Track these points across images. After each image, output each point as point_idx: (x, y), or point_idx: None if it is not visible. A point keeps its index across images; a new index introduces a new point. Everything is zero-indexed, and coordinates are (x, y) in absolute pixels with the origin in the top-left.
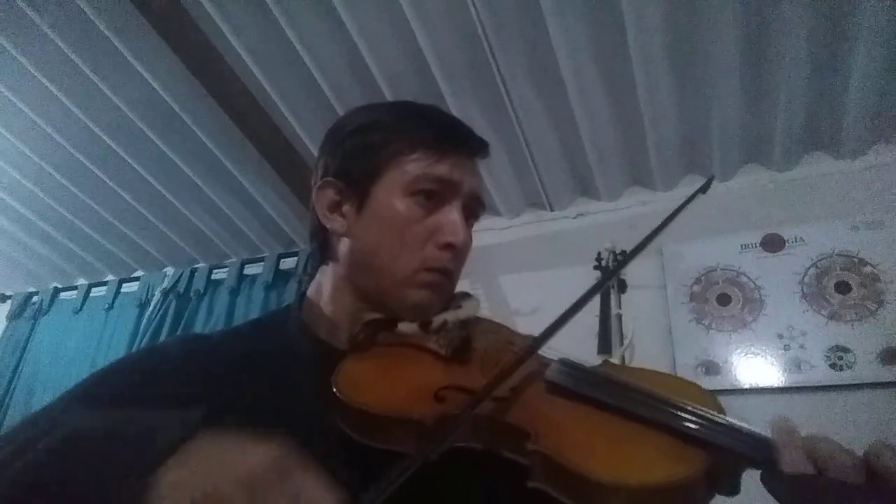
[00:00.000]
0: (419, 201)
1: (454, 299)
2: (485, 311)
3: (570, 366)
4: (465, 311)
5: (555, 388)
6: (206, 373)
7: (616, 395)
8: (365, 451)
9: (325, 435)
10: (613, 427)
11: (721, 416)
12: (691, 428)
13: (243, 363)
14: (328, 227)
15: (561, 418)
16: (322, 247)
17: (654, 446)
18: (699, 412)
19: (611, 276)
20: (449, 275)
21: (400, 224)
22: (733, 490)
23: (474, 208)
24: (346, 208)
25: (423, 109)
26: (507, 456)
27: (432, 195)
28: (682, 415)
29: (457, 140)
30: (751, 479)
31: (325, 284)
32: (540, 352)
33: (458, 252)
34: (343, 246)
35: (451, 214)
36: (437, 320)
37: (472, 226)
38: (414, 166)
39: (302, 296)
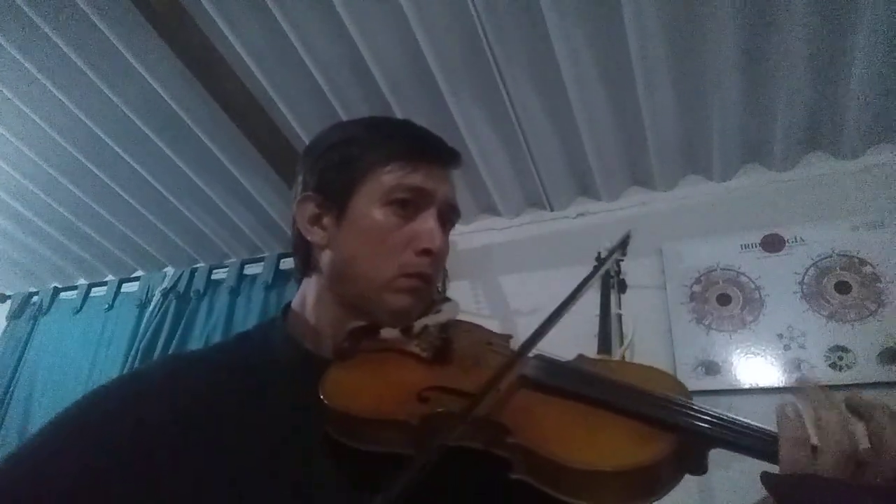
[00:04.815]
0: (395, 211)
1: (434, 304)
2: (485, 311)
3: (545, 361)
4: (444, 315)
5: (532, 384)
6: (190, 393)
7: (588, 387)
8: (353, 454)
9: (314, 441)
10: (586, 416)
11: (685, 398)
12: (657, 412)
13: (229, 377)
14: (309, 239)
15: (538, 411)
16: (304, 259)
17: (624, 432)
18: (665, 397)
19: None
20: (427, 280)
21: (378, 233)
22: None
23: (449, 216)
24: (326, 221)
25: (396, 123)
26: (491, 451)
27: (407, 204)
28: (649, 401)
29: (429, 151)
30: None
31: (308, 295)
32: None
33: (436, 257)
34: (325, 257)
35: (428, 222)
36: (418, 325)
37: (448, 232)
38: (389, 177)
39: (286, 308)
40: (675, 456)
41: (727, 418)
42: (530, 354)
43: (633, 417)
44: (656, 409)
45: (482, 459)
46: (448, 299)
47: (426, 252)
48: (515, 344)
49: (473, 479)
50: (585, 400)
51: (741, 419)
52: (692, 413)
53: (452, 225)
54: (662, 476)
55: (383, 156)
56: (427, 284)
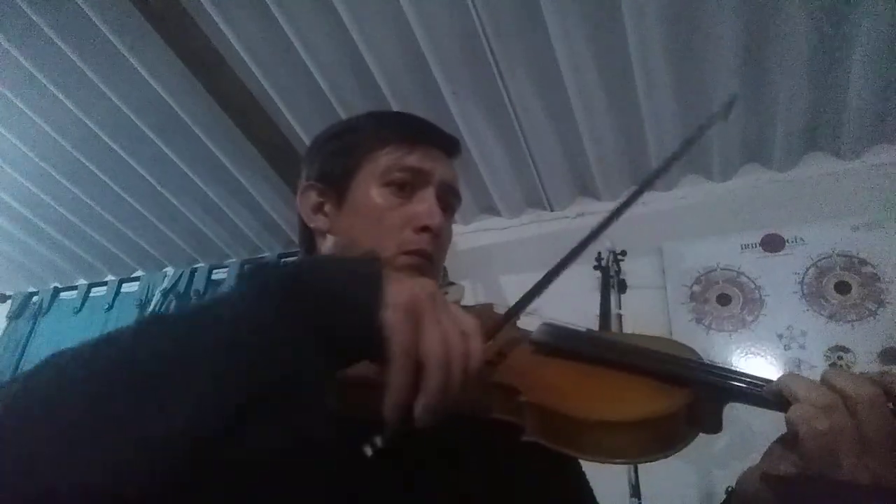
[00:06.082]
0: (393, 192)
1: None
2: None
3: (553, 326)
4: (450, 297)
5: (540, 347)
6: None
7: (597, 347)
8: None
9: (327, 423)
10: (598, 375)
11: (696, 357)
12: (669, 368)
13: None
14: (312, 226)
15: (547, 371)
16: (309, 251)
17: (637, 387)
18: (675, 355)
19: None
20: (428, 258)
21: (377, 213)
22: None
23: (449, 200)
24: (327, 208)
25: (394, 112)
26: (500, 418)
27: (405, 185)
28: (660, 358)
29: (425, 133)
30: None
31: None
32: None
33: (436, 236)
34: (327, 243)
35: (426, 200)
36: None
37: (450, 218)
38: (386, 159)
39: None
40: (688, 409)
41: (739, 371)
42: (540, 322)
43: (645, 375)
44: (668, 366)
45: (493, 433)
46: (453, 283)
47: (425, 229)
48: (526, 324)
49: (484, 451)
50: (596, 361)
51: (754, 373)
52: (704, 368)
53: (453, 211)
54: (677, 430)
55: (381, 139)
56: (428, 262)
